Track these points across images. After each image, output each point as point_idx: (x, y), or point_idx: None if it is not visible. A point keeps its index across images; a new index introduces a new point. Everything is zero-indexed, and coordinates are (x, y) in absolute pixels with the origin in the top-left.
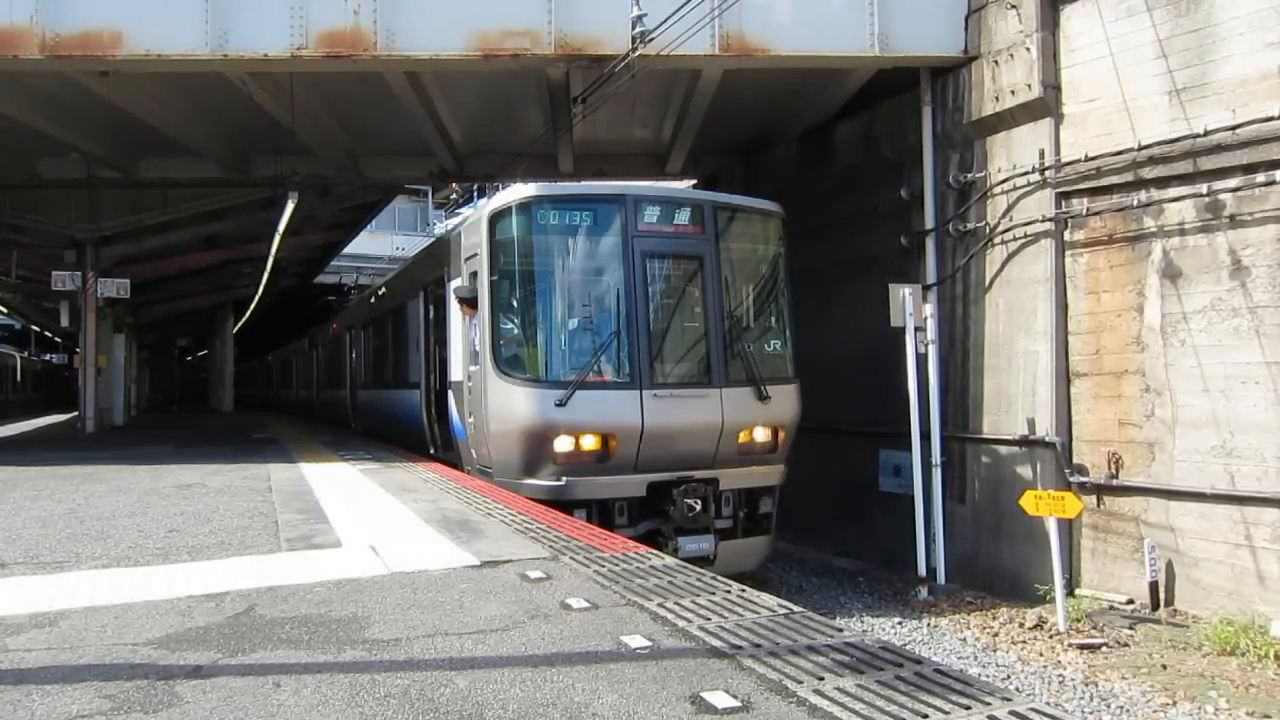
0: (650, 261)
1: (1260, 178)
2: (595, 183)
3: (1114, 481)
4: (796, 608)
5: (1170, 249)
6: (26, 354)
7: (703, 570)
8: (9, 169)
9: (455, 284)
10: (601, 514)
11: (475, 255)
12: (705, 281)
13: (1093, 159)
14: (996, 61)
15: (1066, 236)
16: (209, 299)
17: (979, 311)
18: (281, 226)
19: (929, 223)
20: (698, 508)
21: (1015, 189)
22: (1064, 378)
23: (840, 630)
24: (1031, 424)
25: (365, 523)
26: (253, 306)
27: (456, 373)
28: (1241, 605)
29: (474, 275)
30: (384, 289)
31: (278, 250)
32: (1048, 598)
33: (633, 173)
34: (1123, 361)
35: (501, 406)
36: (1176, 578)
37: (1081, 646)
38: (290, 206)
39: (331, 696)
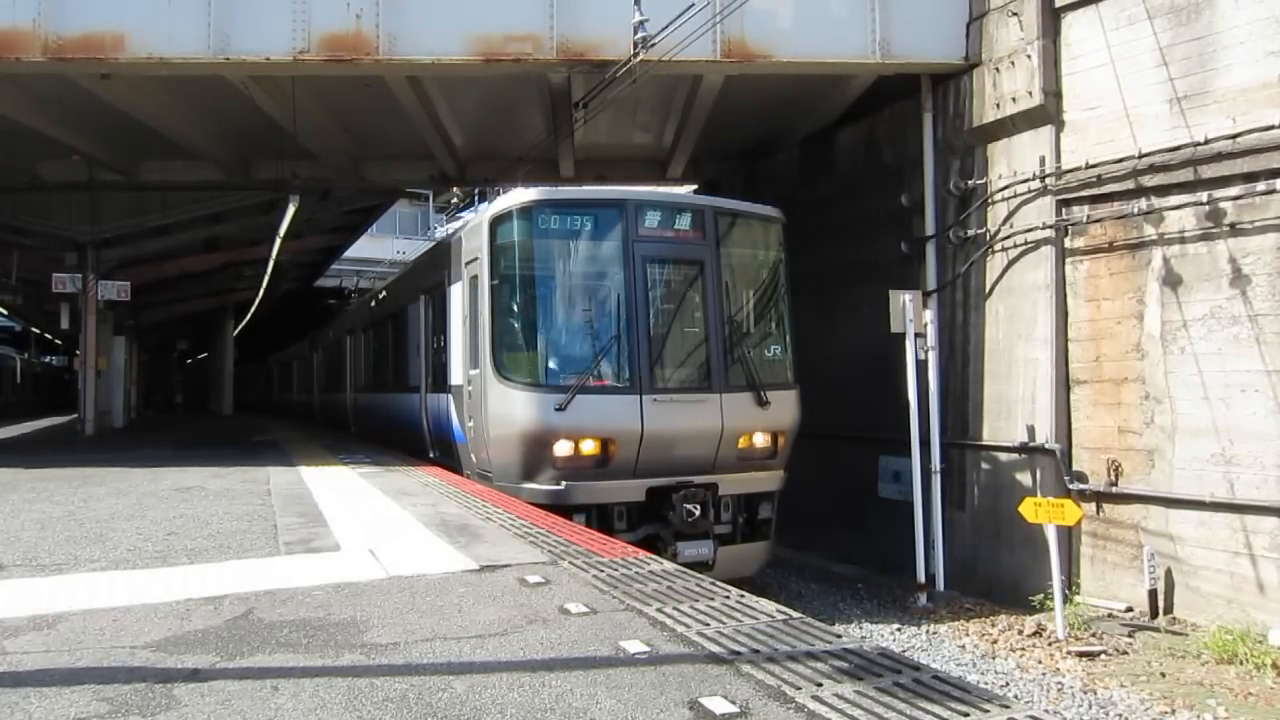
0: (651, 266)
1: (1260, 186)
2: (596, 187)
3: (1113, 489)
4: (795, 613)
5: (1170, 256)
6: (26, 356)
7: (701, 575)
8: (10, 171)
9: (455, 288)
10: (601, 519)
11: (476, 259)
12: (706, 286)
13: (1093, 166)
14: (997, 69)
15: (1067, 244)
16: (209, 302)
17: (979, 318)
18: (282, 230)
19: (929, 229)
20: (697, 513)
21: (1016, 196)
22: (1064, 385)
23: (839, 636)
24: (1031, 431)
25: (364, 526)
26: (253, 309)
27: (456, 377)
28: (1240, 613)
29: (474, 279)
30: (384, 293)
31: (278, 253)
32: (1047, 605)
33: (634, 177)
34: (1123, 369)
35: (501, 411)
36: (1176, 585)
37: (1080, 654)
38: (291, 210)
39: (330, 700)
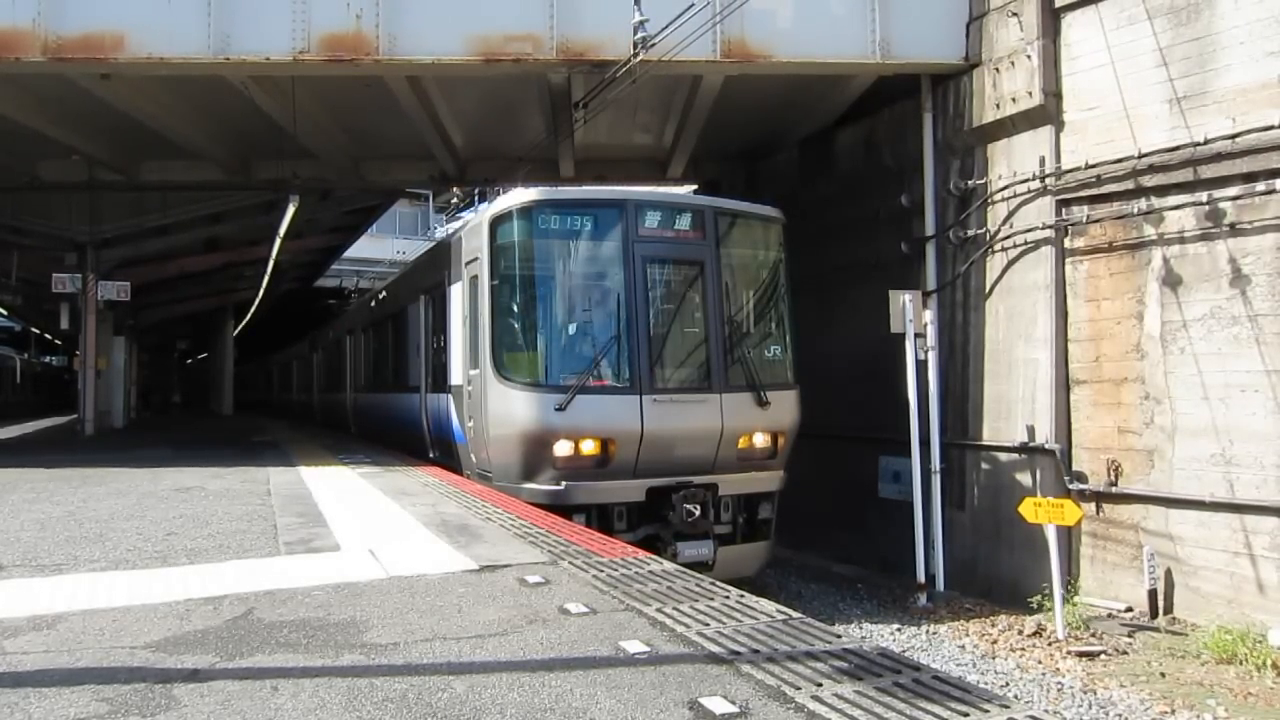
0: (651, 266)
1: (1260, 186)
2: (596, 187)
3: (1113, 489)
4: (795, 613)
5: (1170, 257)
6: (26, 356)
7: (701, 576)
8: (10, 171)
9: (455, 288)
10: (601, 519)
11: (476, 259)
12: (706, 286)
13: (1093, 166)
14: (997, 69)
15: (1066, 244)
16: (209, 302)
17: (979, 318)
18: (282, 230)
19: (929, 229)
20: (697, 513)
21: (1016, 196)
22: (1064, 385)
23: (839, 636)
24: (1031, 431)
25: (364, 526)
26: (253, 309)
27: (456, 377)
28: (1240, 613)
29: (474, 279)
30: (384, 293)
31: (278, 253)
32: (1046, 605)
33: (634, 178)
34: (1122, 369)
35: (501, 411)
36: (1175, 585)
37: (1080, 654)
38: (291, 210)
39: (329, 700)
